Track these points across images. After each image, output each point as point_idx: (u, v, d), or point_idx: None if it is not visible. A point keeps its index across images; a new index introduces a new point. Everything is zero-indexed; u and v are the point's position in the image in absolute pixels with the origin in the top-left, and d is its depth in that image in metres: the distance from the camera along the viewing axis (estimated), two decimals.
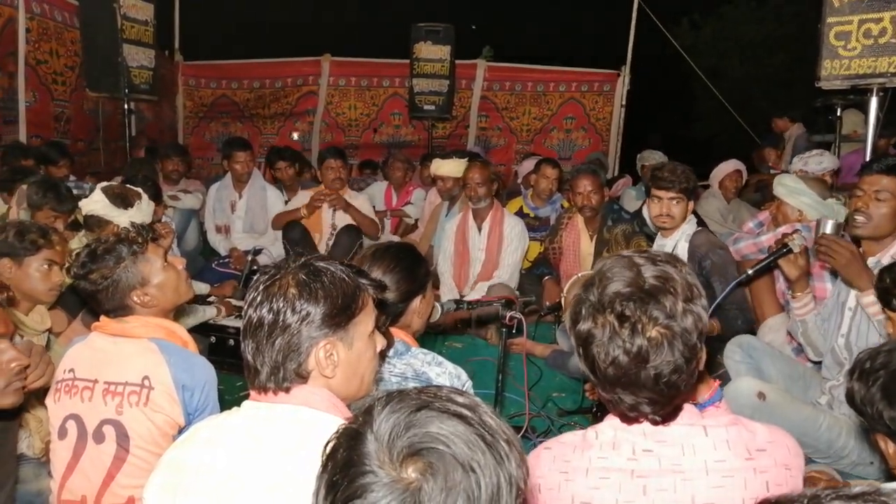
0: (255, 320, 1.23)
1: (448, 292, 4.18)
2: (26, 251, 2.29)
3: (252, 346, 1.23)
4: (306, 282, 1.23)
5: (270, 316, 1.21)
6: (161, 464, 1.28)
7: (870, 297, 2.26)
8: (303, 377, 1.24)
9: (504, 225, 4.21)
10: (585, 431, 1.35)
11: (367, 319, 1.31)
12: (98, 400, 1.74)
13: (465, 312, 3.68)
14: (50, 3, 5.55)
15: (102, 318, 1.89)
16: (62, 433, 1.77)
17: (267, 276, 1.26)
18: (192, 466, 1.22)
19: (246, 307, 1.25)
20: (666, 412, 1.26)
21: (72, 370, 1.81)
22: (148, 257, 1.89)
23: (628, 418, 1.29)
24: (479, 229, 4.22)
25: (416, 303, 2.00)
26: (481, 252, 4.20)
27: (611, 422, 1.33)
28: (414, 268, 1.99)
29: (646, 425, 1.29)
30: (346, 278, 1.27)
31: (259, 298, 1.23)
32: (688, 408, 1.30)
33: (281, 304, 1.21)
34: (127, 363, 1.77)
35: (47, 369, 1.80)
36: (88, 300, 1.89)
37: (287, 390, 1.24)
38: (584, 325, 1.25)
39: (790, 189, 3.26)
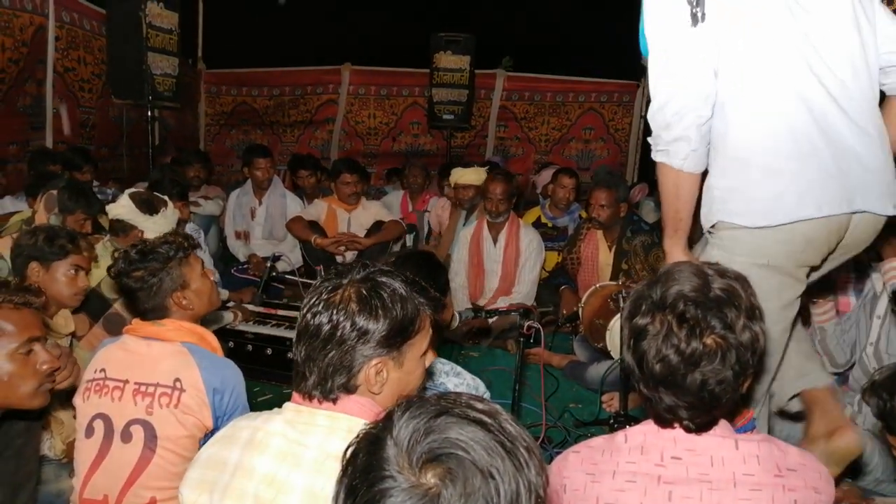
0: (311, 327, 1.22)
1: (459, 303, 4.16)
2: (55, 256, 2.33)
3: (304, 351, 1.23)
4: (368, 297, 1.21)
5: (328, 327, 1.20)
6: (199, 459, 1.29)
7: (893, 263, 2.38)
8: (349, 391, 1.23)
9: (521, 239, 4.15)
10: (615, 435, 1.35)
11: (422, 341, 1.29)
12: (128, 400, 1.77)
13: (481, 321, 3.68)
14: (79, 11, 5.64)
15: (135, 320, 1.93)
16: (89, 432, 1.79)
17: (329, 285, 1.24)
18: (230, 466, 1.23)
19: (304, 311, 1.24)
20: (702, 421, 1.27)
21: (103, 370, 1.84)
22: (190, 262, 1.97)
23: (663, 421, 1.29)
24: (495, 241, 4.19)
25: None
26: (497, 265, 4.16)
27: (643, 426, 1.33)
28: (435, 276, 2.00)
29: (678, 431, 1.28)
30: (408, 297, 1.25)
31: (320, 306, 1.22)
32: (722, 422, 1.30)
33: (341, 318, 1.20)
34: (159, 365, 1.80)
35: (73, 371, 1.83)
36: (127, 298, 1.96)
37: (333, 401, 1.23)
38: (642, 320, 1.26)
39: None
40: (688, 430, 1.28)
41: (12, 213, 3.68)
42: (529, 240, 4.18)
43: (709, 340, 1.20)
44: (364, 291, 1.22)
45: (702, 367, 1.20)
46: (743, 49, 1.70)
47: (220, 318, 3.36)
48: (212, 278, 2.08)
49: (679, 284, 1.25)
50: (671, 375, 1.21)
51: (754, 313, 1.24)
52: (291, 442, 1.22)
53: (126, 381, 1.79)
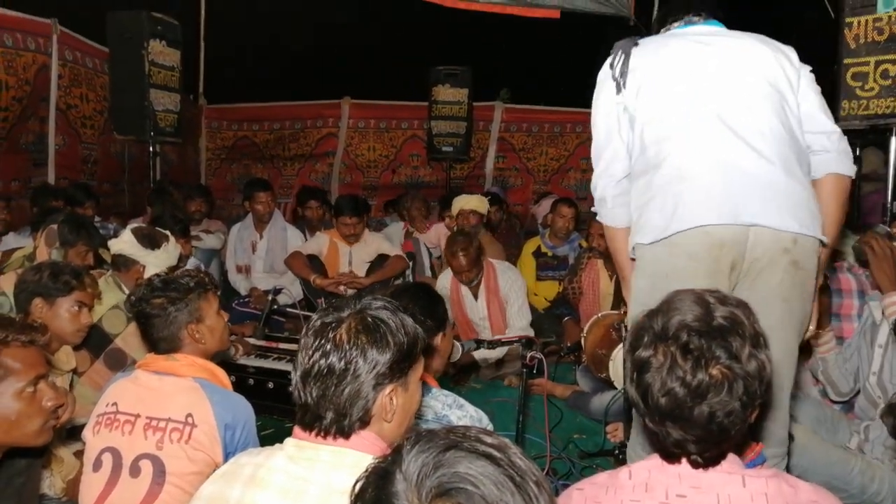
0: (323, 367, 1.21)
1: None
2: (59, 292, 2.34)
3: (318, 391, 1.22)
4: (374, 328, 1.23)
5: (342, 364, 1.21)
6: (200, 498, 1.28)
7: (893, 298, 2.35)
8: (365, 423, 1.23)
9: (500, 287, 4.00)
10: (619, 471, 1.32)
11: (420, 364, 1.33)
12: (139, 434, 1.77)
13: (468, 355, 3.63)
14: (82, 50, 5.73)
15: (149, 355, 1.94)
16: (97, 465, 1.78)
17: (332, 321, 1.25)
18: (232, 503, 1.22)
19: (311, 351, 1.24)
20: (711, 454, 1.23)
21: (115, 404, 1.84)
22: (209, 298, 2.00)
23: (670, 455, 1.26)
24: (475, 296, 4.05)
25: (437, 341, 2.01)
26: (484, 320, 4.03)
27: (647, 462, 1.30)
28: (432, 307, 2.00)
29: (684, 467, 1.25)
30: (409, 324, 1.28)
31: (329, 346, 1.22)
32: (731, 457, 1.26)
33: (354, 353, 1.21)
34: (171, 400, 1.80)
35: (70, 406, 1.83)
36: (142, 325, 1.97)
37: (347, 436, 1.23)
38: (644, 353, 1.23)
39: None
40: (695, 464, 1.24)
41: (15, 250, 3.69)
42: (510, 284, 4.02)
43: (714, 371, 1.17)
44: (370, 322, 1.24)
45: (709, 399, 1.17)
46: (665, 94, 1.92)
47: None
48: (226, 319, 2.10)
49: (681, 314, 1.23)
50: (678, 409, 1.18)
51: (759, 341, 1.22)
52: (295, 478, 1.20)
53: (137, 416, 1.79)
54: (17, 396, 1.53)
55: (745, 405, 1.19)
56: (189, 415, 1.77)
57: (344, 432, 1.23)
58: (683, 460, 1.25)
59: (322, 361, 1.22)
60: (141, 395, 1.84)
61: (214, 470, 1.74)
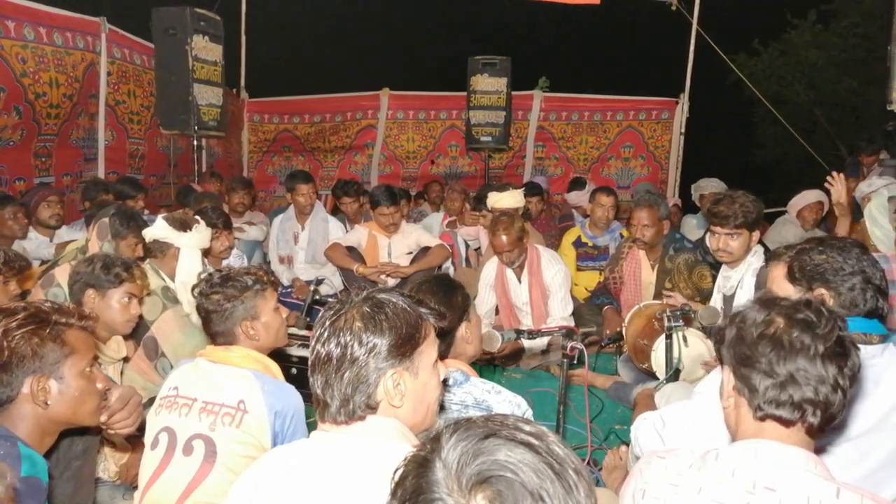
0: (323, 355, 1.25)
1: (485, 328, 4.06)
2: (110, 284, 2.43)
3: (321, 380, 1.25)
4: (370, 314, 1.25)
5: (338, 350, 1.23)
6: (233, 493, 1.30)
7: None
8: (372, 408, 1.25)
9: (543, 273, 3.98)
10: (707, 451, 1.29)
11: (430, 349, 1.32)
12: (194, 416, 1.87)
13: (514, 344, 3.63)
14: (129, 47, 5.87)
15: (209, 346, 2.05)
16: (154, 444, 1.90)
17: (332, 312, 1.28)
18: (261, 498, 1.23)
19: (313, 343, 1.28)
20: (814, 410, 1.23)
21: (175, 388, 1.96)
22: (266, 296, 2.08)
23: (760, 415, 1.27)
24: (519, 279, 4.05)
25: (462, 330, 2.05)
26: (526, 305, 4.04)
27: (736, 448, 1.27)
28: (450, 296, 2.03)
29: (772, 464, 1.21)
30: (408, 308, 1.29)
31: (326, 334, 1.26)
32: (820, 460, 1.23)
33: (348, 338, 1.23)
34: (226, 387, 1.90)
35: (137, 418, 1.89)
36: (202, 318, 2.08)
37: (359, 420, 1.25)
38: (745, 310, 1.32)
39: (870, 216, 3.13)
40: (786, 424, 1.24)
41: (68, 242, 3.83)
42: (554, 273, 3.97)
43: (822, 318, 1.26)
44: (367, 310, 1.26)
45: (818, 335, 1.23)
46: None
47: None
48: (283, 316, 2.16)
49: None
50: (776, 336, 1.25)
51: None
52: (321, 469, 1.22)
53: (195, 399, 1.90)
54: (80, 375, 1.62)
55: (847, 378, 1.24)
56: (241, 401, 1.86)
57: (351, 417, 1.24)
58: (769, 420, 1.26)
59: (322, 350, 1.25)
60: (199, 380, 1.94)
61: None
